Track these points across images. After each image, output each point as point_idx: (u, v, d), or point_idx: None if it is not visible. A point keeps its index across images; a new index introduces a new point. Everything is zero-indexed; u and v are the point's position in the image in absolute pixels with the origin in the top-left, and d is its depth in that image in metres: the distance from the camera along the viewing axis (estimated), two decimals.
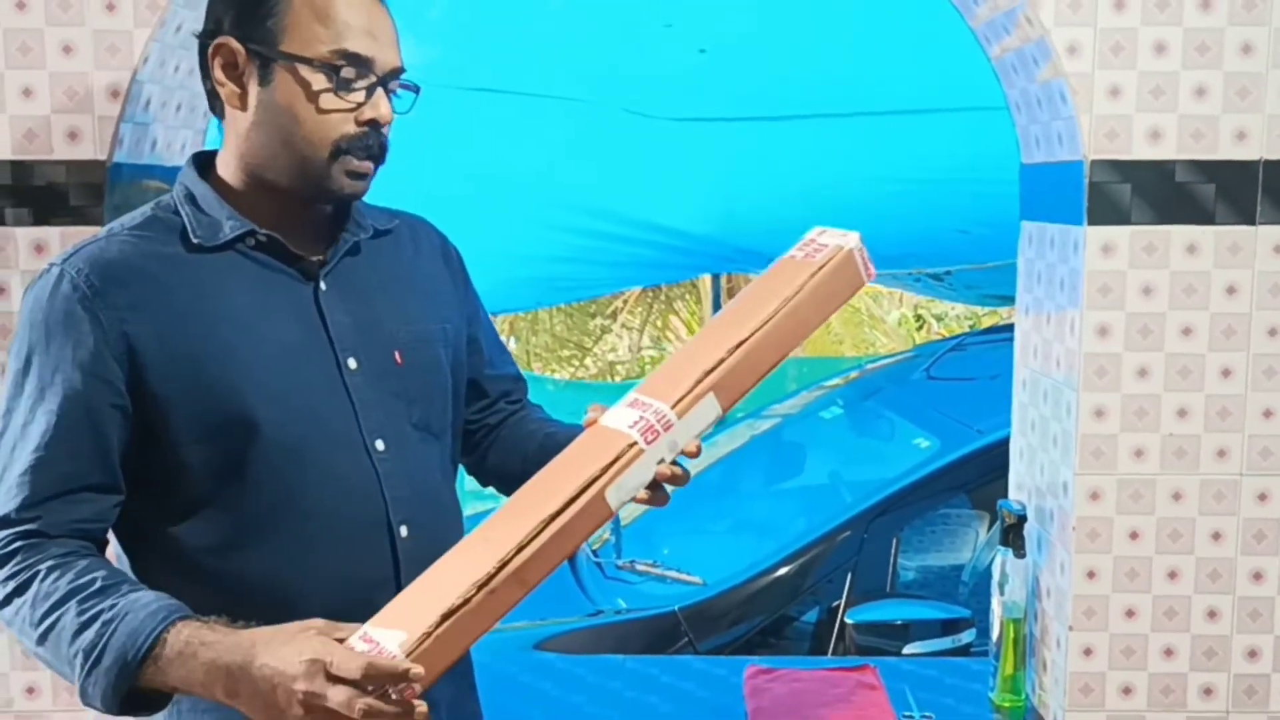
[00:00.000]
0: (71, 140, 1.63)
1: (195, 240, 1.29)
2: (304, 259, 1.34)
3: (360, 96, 1.28)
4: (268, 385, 1.27)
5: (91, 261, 1.25)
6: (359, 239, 1.38)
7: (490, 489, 1.62)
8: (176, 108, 1.76)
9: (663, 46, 3.04)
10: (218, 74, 1.29)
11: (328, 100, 1.27)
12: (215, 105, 1.34)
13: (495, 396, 1.58)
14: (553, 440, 1.46)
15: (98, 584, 1.18)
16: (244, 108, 1.30)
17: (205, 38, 1.31)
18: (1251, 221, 1.70)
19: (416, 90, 1.35)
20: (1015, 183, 1.99)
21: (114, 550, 1.33)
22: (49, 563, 1.19)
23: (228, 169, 1.34)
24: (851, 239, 1.26)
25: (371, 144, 1.30)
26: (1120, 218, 1.70)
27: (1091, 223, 1.70)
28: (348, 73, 1.27)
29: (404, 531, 1.33)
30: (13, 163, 1.63)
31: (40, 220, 1.64)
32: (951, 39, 2.21)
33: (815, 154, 3.69)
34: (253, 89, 1.29)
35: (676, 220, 4.37)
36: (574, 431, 1.41)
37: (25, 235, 1.64)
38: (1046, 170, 1.85)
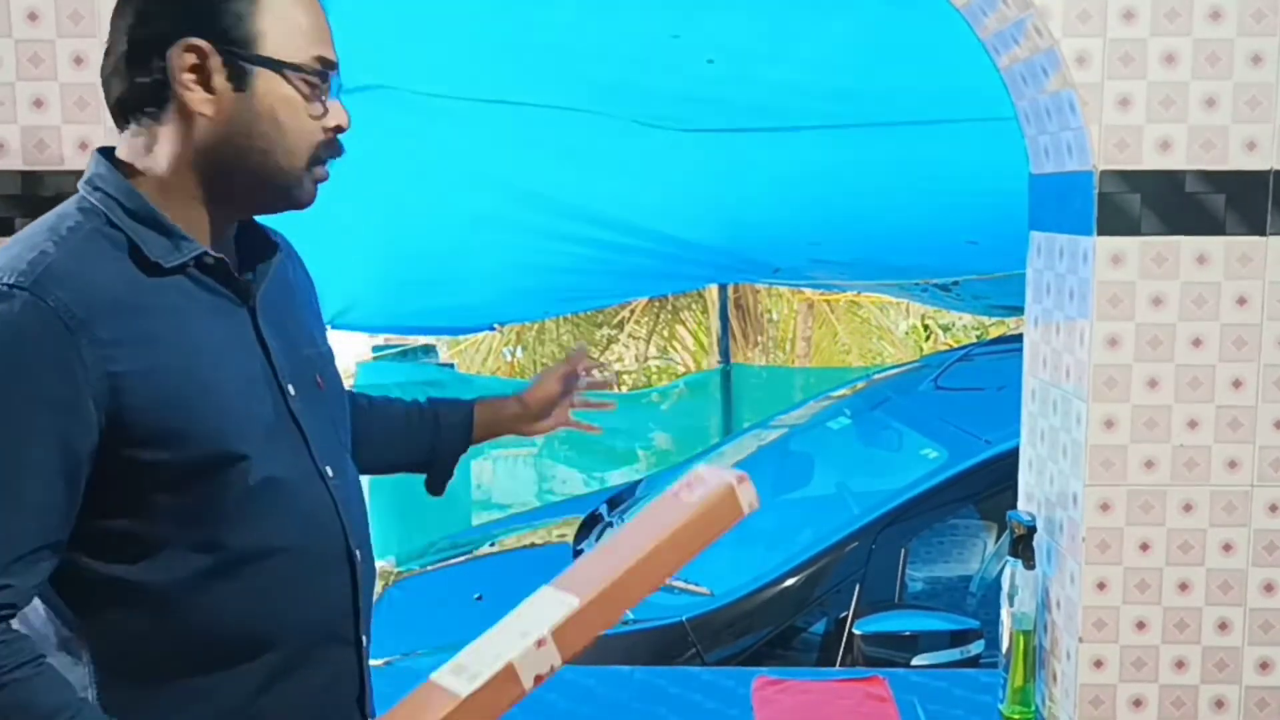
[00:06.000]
0: (82, 151, 1.63)
1: (154, 260, 1.18)
2: (238, 281, 1.25)
3: (325, 104, 1.24)
4: (243, 421, 1.20)
5: (61, 283, 1.11)
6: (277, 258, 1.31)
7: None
8: None
9: (671, 57, 3.05)
10: (183, 77, 1.18)
11: (314, 108, 1.22)
12: (138, 109, 1.22)
13: None
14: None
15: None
16: (211, 114, 1.20)
17: (158, 41, 1.19)
18: (1262, 232, 1.69)
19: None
20: (1024, 193, 1.99)
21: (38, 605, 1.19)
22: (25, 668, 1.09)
23: (156, 178, 1.22)
24: (732, 475, 1.23)
25: (338, 151, 1.25)
26: (1130, 228, 1.70)
27: (1101, 233, 1.70)
28: (320, 80, 1.23)
29: (358, 556, 1.30)
30: (23, 173, 1.64)
31: None
32: (960, 49, 2.21)
33: (823, 164, 3.69)
34: (224, 94, 1.20)
35: (684, 230, 4.37)
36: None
37: None
38: (1055, 180, 1.85)
